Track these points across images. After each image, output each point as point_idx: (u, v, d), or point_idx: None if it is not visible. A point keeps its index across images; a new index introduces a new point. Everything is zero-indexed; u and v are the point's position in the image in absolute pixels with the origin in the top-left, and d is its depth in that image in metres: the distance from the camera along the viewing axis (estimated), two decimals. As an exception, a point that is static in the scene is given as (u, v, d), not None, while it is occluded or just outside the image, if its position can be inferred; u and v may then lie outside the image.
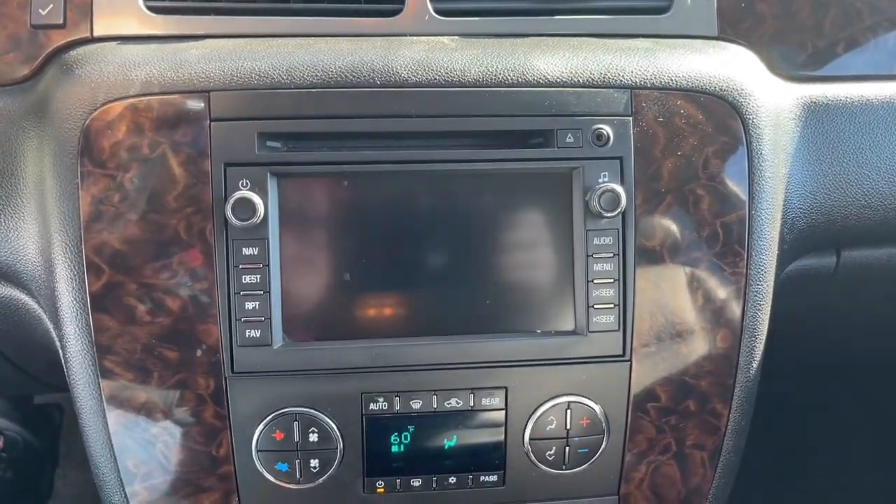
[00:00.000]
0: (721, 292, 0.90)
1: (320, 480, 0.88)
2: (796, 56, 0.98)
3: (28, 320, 0.95)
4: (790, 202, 0.94)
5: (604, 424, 0.91)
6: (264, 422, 0.86)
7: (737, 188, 0.89)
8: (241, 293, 0.84)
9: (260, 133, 0.83)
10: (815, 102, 0.97)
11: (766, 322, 0.93)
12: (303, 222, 0.85)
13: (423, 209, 0.86)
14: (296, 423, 0.86)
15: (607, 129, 0.86)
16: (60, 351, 0.88)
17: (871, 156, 0.97)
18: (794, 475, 2.05)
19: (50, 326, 0.90)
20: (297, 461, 0.87)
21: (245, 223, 0.81)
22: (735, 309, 0.91)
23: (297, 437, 0.87)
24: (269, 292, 0.84)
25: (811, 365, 1.72)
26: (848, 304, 1.22)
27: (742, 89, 0.90)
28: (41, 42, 0.88)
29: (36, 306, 0.92)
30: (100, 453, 0.88)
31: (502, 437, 0.90)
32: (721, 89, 0.89)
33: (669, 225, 0.88)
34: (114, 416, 0.86)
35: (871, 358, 1.59)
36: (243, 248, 0.83)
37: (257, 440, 0.87)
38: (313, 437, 0.87)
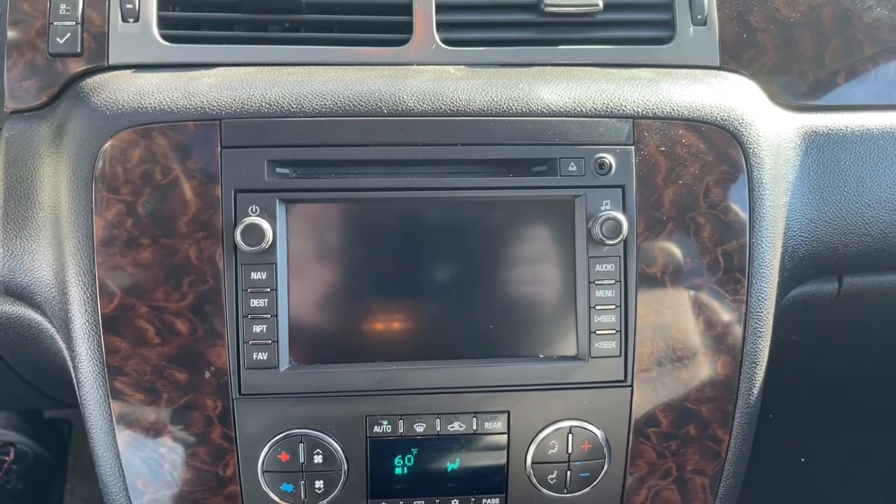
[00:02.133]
0: (722, 319, 0.92)
1: (324, 501, 0.90)
2: (797, 86, 1.00)
3: (41, 339, 0.97)
4: (791, 230, 0.95)
5: (605, 449, 0.92)
6: (270, 443, 0.88)
7: (738, 216, 0.91)
8: (249, 316, 0.85)
9: (269, 160, 0.85)
10: (815, 132, 0.98)
11: (767, 348, 0.94)
12: (310, 248, 0.87)
13: (428, 235, 0.88)
14: (301, 445, 0.88)
15: (610, 158, 0.88)
16: (72, 370, 0.90)
17: (871, 185, 0.98)
18: (796, 494, 2.05)
19: (62, 346, 0.92)
20: (302, 482, 0.89)
21: (254, 248, 0.83)
22: (736, 335, 0.92)
23: (302, 459, 0.88)
24: (276, 316, 0.86)
25: (812, 384, 1.72)
26: (849, 329, 1.23)
27: (743, 119, 0.91)
28: (58, 70, 0.91)
29: (49, 326, 0.94)
30: (109, 471, 0.89)
31: (504, 461, 0.91)
32: (722, 119, 0.91)
33: (671, 252, 0.90)
34: (123, 436, 0.88)
35: (872, 380, 1.59)
36: (252, 273, 0.85)
37: (263, 461, 0.88)
38: (318, 459, 0.88)
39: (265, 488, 0.89)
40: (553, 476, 0.92)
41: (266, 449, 0.88)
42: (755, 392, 0.94)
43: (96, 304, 0.85)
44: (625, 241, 0.88)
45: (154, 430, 0.88)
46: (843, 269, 1.04)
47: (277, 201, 0.85)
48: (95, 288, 0.85)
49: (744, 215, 0.91)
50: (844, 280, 1.06)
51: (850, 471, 2.04)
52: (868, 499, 2.04)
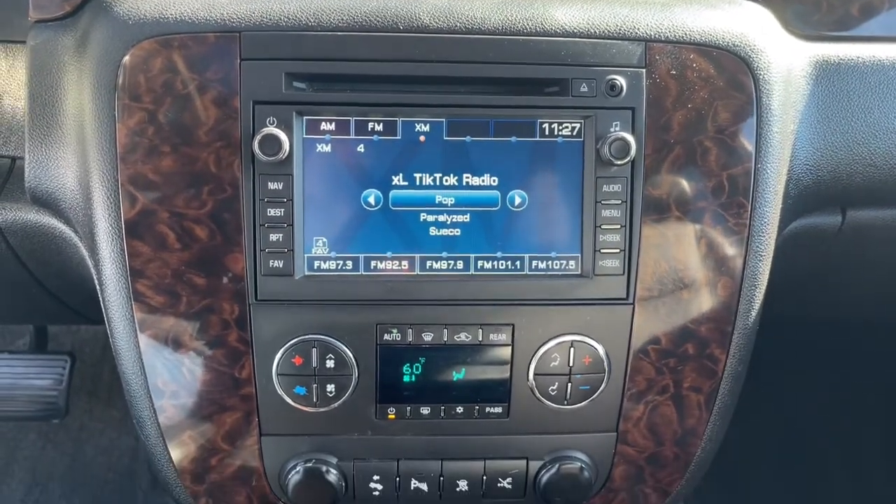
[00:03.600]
0: (724, 242, 0.94)
1: (335, 405, 0.94)
2: (811, 15, 1.00)
3: (65, 249, 1.01)
4: (797, 158, 0.97)
5: (605, 364, 0.95)
6: (284, 347, 0.92)
7: (744, 142, 0.92)
8: (266, 225, 0.89)
9: (287, 73, 0.87)
10: (827, 61, 0.99)
11: (767, 274, 0.97)
12: (325, 160, 0.89)
13: (439, 150, 0.90)
14: (314, 350, 0.92)
15: (621, 80, 0.89)
16: (95, 276, 0.94)
17: (879, 115, 0.99)
18: (791, 429, 2.10)
19: (86, 254, 0.96)
20: (314, 385, 0.93)
21: (271, 158, 0.86)
22: (737, 259, 0.95)
23: (314, 363, 0.92)
24: (291, 225, 0.89)
25: (810, 323, 1.76)
26: (851, 266, 1.25)
27: (755, 45, 0.92)
28: None
29: (73, 235, 0.98)
30: (131, 370, 0.94)
31: (508, 372, 0.95)
32: (734, 44, 0.92)
33: (677, 175, 0.92)
34: (144, 337, 0.92)
35: (872, 318, 1.62)
36: (269, 183, 0.88)
37: (277, 364, 0.92)
38: (330, 364, 0.92)
39: (279, 390, 0.93)
40: (554, 388, 0.95)
41: (280, 353, 0.92)
42: (753, 314, 0.97)
43: (119, 210, 0.88)
44: (632, 163, 0.90)
45: (173, 333, 0.92)
46: (846, 202, 1.06)
47: (294, 113, 0.87)
48: (118, 194, 0.88)
49: (751, 141, 0.92)
50: (848, 213, 1.08)
51: (846, 409, 2.09)
52: (860, 441, 2.09)
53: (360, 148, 0.90)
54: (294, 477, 0.95)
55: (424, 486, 0.99)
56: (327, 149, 0.89)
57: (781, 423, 2.15)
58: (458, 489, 0.99)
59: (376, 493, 0.98)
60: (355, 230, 0.91)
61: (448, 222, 0.91)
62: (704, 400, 0.99)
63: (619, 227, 0.92)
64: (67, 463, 2.09)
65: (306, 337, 0.92)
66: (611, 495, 1.03)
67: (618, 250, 0.92)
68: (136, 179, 0.88)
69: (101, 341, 2.15)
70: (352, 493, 0.98)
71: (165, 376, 0.94)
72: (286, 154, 0.86)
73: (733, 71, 0.91)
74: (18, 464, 2.08)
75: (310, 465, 0.95)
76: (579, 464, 0.98)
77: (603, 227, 0.91)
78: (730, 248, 0.94)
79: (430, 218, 0.91)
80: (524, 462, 0.99)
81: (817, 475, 2.09)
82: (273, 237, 0.89)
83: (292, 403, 0.94)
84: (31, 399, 1.83)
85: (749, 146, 0.92)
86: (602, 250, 0.92)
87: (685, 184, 0.92)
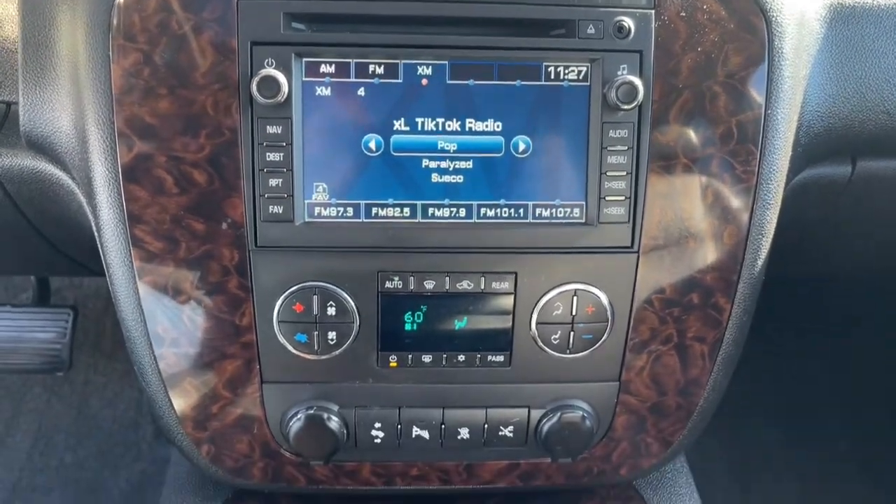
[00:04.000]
0: (731, 190, 0.92)
1: (337, 353, 0.94)
2: None
3: (63, 196, 1.00)
4: (808, 104, 0.95)
5: (608, 313, 0.94)
6: (285, 294, 0.91)
7: (755, 87, 0.90)
8: (265, 170, 0.87)
9: (285, 13, 0.85)
10: (842, 4, 0.96)
11: (774, 224, 0.95)
12: (325, 104, 0.87)
13: (442, 94, 0.88)
14: (315, 297, 0.91)
15: (629, 22, 0.87)
16: (93, 223, 0.93)
17: (893, 61, 0.97)
18: (792, 384, 2.11)
19: (83, 201, 0.94)
20: (315, 333, 0.92)
21: (269, 101, 0.84)
22: (744, 207, 0.93)
23: (315, 310, 0.92)
24: (291, 170, 0.87)
25: (814, 280, 1.75)
26: (860, 219, 1.23)
27: None
28: None
29: (69, 181, 0.96)
30: (131, 318, 0.93)
31: (510, 320, 0.94)
32: None
33: (685, 121, 0.90)
34: (144, 284, 0.92)
35: (879, 272, 1.61)
36: (267, 127, 0.86)
37: (278, 311, 0.92)
38: (331, 311, 0.92)
39: (280, 338, 0.93)
40: (556, 336, 0.95)
41: (281, 300, 0.91)
42: (759, 264, 0.96)
43: (116, 153, 0.87)
44: (639, 108, 0.88)
45: (173, 279, 0.91)
46: (857, 151, 1.04)
47: (293, 55, 0.85)
48: (114, 137, 0.86)
49: (761, 86, 0.90)
50: (858, 163, 1.06)
51: (848, 367, 2.09)
52: (861, 396, 2.10)
53: (361, 91, 0.88)
54: (295, 424, 0.95)
55: (426, 434, 0.99)
56: (327, 92, 0.87)
57: (784, 377, 2.16)
58: (459, 437, 0.99)
59: (377, 440, 0.98)
60: (356, 176, 0.89)
61: (450, 168, 0.90)
62: (708, 350, 0.99)
63: (624, 174, 0.90)
64: (73, 416, 2.11)
65: (307, 284, 0.91)
66: (612, 445, 1.03)
67: (623, 198, 0.90)
68: (132, 122, 0.86)
69: (104, 296, 2.15)
70: (353, 440, 0.98)
71: (165, 323, 0.93)
72: (285, 96, 0.84)
73: (745, 13, 0.89)
74: (24, 416, 2.10)
75: (311, 412, 0.95)
76: (581, 413, 0.98)
77: (608, 174, 0.90)
78: (737, 197, 0.93)
79: (433, 164, 0.90)
80: (526, 411, 0.99)
81: (817, 426, 2.11)
82: (272, 182, 0.87)
83: (293, 351, 0.94)
84: (35, 352, 1.83)
85: (759, 92, 0.90)
86: (607, 198, 0.90)
87: (693, 130, 0.90)
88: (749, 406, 2.14)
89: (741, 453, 2.10)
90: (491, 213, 0.91)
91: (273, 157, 0.87)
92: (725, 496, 2.01)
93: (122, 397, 2.16)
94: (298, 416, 0.96)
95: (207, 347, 0.94)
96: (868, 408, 2.10)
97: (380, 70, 0.87)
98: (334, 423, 0.96)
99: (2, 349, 1.79)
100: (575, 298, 0.93)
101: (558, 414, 0.98)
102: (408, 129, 0.89)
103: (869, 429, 2.08)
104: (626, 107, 0.87)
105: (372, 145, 0.89)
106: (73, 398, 2.13)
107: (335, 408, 0.97)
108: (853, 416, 2.10)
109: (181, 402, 0.97)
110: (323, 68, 0.87)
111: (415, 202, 0.90)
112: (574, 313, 0.94)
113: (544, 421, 0.98)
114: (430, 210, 0.90)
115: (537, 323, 0.94)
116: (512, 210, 0.91)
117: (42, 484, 2.00)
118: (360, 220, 0.90)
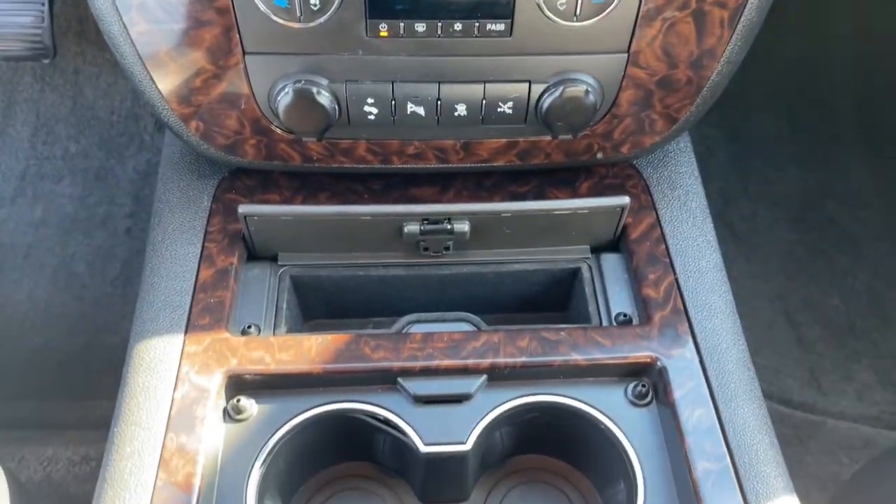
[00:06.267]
0: None
1: (321, 20, 0.86)
2: None
3: None
4: None
5: None
6: None
7: None
8: None
9: None
10: None
11: None
12: None
13: None
14: None
15: None
16: None
17: None
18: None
19: None
20: None
21: None
22: None
23: None
24: None
25: None
26: None
27: None
28: None
29: None
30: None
31: None
32: None
33: None
34: None
35: None
36: None
37: None
38: None
39: (258, 2, 0.84)
40: (563, 1, 0.86)
41: None
42: None
43: None
44: None
45: None
46: None
47: None
48: None
49: None
50: None
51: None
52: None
53: None
54: (284, 98, 0.91)
55: (421, 110, 0.94)
56: None
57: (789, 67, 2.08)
58: (456, 113, 0.95)
59: (371, 116, 0.95)
60: None
61: None
62: (728, 16, 0.90)
63: None
64: (69, 105, 2.08)
65: None
66: (615, 121, 0.99)
67: None
68: None
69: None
70: (346, 116, 0.94)
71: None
72: None
73: None
74: (20, 105, 2.07)
75: (299, 85, 0.90)
76: (584, 86, 0.92)
77: None
78: None
79: None
80: (526, 85, 0.93)
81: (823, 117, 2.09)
82: None
83: (274, 17, 0.86)
84: (15, 37, 1.74)
85: None
86: None
87: None
88: (758, 97, 2.09)
89: (744, 144, 2.10)
90: None
91: None
92: (725, 183, 2.04)
93: (118, 88, 2.11)
94: (286, 89, 0.90)
95: (179, 13, 0.86)
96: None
97: None
98: (324, 97, 0.91)
99: (-22, 35, 1.70)
100: None
101: (561, 88, 0.92)
102: None
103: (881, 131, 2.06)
104: None
105: None
106: (67, 88, 2.08)
107: (324, 81, 0.91)
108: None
109: (161, 74, 0.92)
110: None
111: None
112: None
113: (546, 96, 0.93)
114: None
115: None
116: None
117: (50, 172, 2.03)
118: None
